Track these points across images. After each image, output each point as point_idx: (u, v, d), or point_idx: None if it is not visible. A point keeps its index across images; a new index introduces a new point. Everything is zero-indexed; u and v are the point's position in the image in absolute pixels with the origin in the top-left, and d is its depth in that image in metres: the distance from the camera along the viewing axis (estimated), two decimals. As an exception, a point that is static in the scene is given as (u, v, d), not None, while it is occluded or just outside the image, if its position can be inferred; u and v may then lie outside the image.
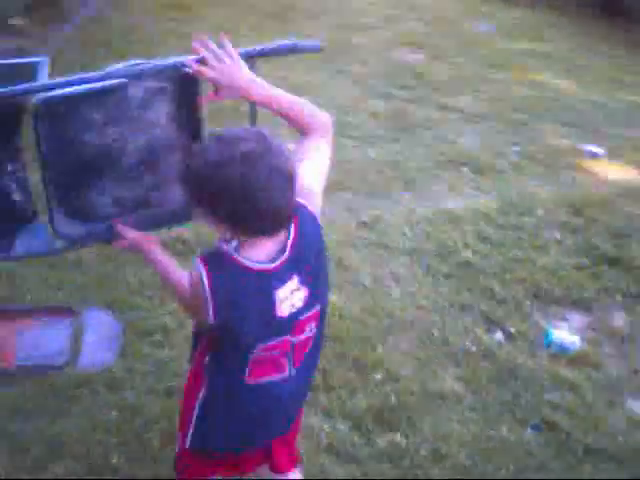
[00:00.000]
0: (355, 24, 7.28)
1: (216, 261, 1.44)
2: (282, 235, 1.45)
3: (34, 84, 1.57)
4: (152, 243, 1.72)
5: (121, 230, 1.69)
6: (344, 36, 6.73)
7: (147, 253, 1.71)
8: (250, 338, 1.50)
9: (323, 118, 1.59)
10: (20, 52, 4.95)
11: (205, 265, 1.41)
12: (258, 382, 1.58)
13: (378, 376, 2.72)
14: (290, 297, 1.48)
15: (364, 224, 3.80)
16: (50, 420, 2.38)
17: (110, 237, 1.71)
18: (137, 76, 1.54)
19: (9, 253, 1.77)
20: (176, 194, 1.75)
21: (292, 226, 1.45)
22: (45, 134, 1.51)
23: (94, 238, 1.76)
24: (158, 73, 1.58)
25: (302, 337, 1.58)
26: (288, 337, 1.54)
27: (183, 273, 1.63)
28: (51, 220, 1.63)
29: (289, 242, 1.45)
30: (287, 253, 1.45)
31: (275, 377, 1.59)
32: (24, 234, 1.80)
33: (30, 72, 1.74)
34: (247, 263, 1.42)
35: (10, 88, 1.44)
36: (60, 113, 1.51)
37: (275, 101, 1.53)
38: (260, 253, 1.43)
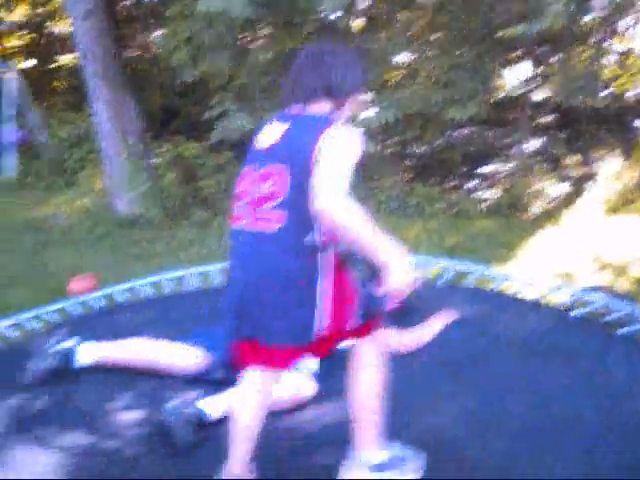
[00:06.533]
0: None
1: None
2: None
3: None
4: None
5: None
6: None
7: None
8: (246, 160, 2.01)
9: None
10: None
11: None
12: (233, 227, 1.98)
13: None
14: (268, 136, 1.96)
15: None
16: None
17: None
18: None
19: None
20: None
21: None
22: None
23: None
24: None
25: (264, 188, 1.89)
26: (255, 167, 1.95)
27: None
28: None
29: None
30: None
31: (238, 225, 1.95)
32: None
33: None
34: None
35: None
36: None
37: None
38: None
